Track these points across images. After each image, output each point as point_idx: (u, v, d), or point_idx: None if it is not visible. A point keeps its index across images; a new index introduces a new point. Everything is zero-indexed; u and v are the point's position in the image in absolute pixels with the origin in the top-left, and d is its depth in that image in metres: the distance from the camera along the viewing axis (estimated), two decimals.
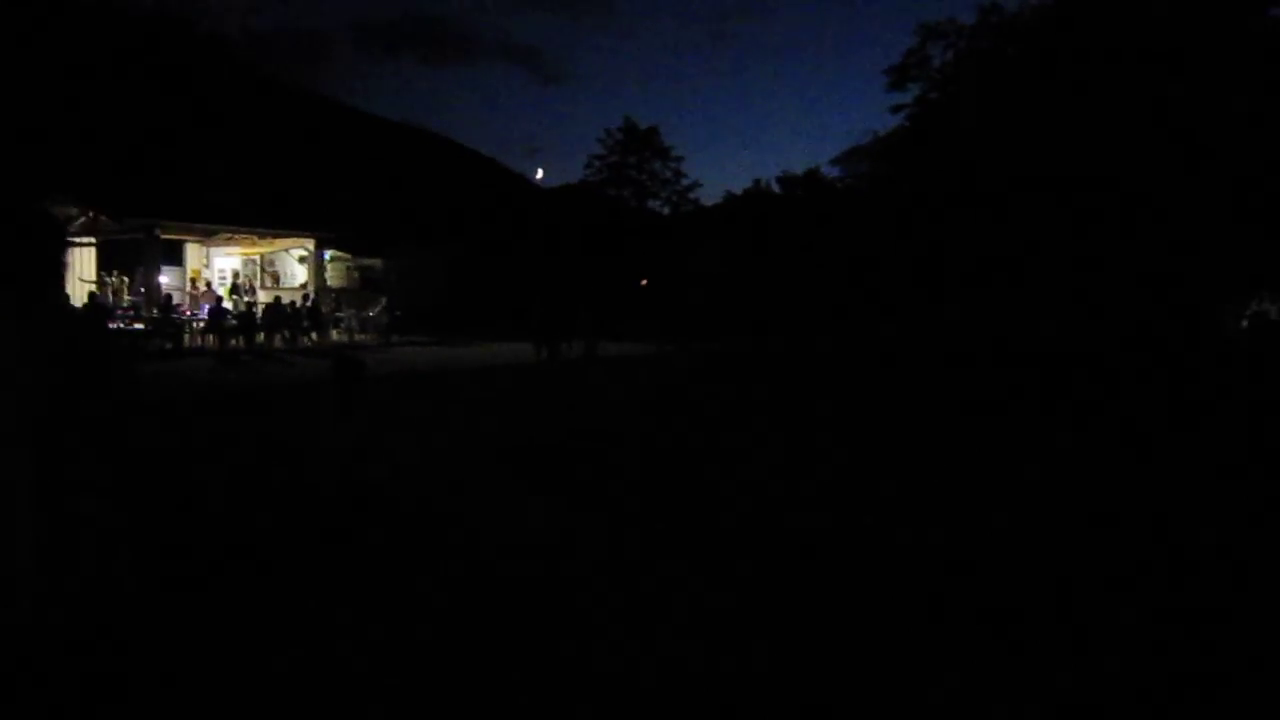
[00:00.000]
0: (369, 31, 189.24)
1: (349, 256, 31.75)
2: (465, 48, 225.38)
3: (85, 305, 21.92)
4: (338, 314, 27.20)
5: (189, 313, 25.12)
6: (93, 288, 24.64)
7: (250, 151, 45.62)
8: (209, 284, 28.70)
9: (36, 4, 56.83)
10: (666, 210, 49.84)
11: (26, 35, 47.94)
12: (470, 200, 49.91)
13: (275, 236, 29.16)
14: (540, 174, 67.36)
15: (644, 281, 47.48)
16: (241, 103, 59.55)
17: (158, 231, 25.19)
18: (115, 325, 22.89)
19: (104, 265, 28.15)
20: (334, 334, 26.77)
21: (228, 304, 26.30)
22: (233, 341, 23.37)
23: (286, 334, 24.36)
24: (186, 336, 23.33)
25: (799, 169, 55.19)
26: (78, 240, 27.13)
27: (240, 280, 30.26)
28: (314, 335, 25.28)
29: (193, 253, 30.51)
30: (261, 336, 24.13)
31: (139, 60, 57.34)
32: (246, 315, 24.31)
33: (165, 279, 27.91)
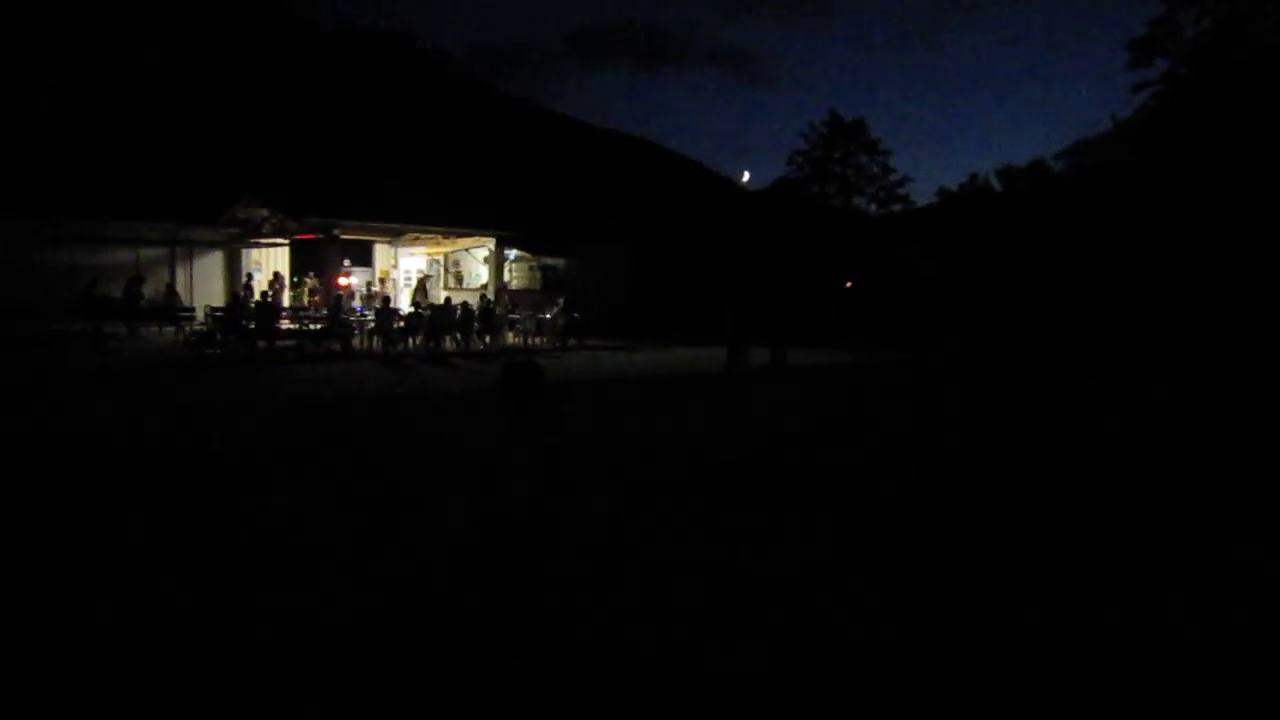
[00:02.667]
0: (584, 41, 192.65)
1: (531, 256, 29.95)
2: (678, 54, 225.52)
3: (256, 305, 20.94)
4: (512, 316, 25.26)
5: (364, 313, 23.90)
6: (264, 288, 23.83)
7: (448, 156, 45.43)
8: (378, 284, 27.67)
9: (267, 22, 59.59)
10: (873, 208, 45.53)
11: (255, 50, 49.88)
12: (669, 203, 47.70)
13: (457, 235, 27.74)
14: (746, 177, 64.17)
15: (849, 284, 43.55)
16: (449, 110, 60.32)
17: (336, 231, 24.13)
18: (290, 325, 21.88)
19: (302, 266, 27.73)
20: (509, 337, 24.86)
21: (408, 305, 24.98)
22: (402, 344, 21.81)
23: (457, 336, 22.58)
24: (357, 338, 21.97)
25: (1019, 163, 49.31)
26: (265, 240, 26.70)
27: (421, 280, 29.11)
28: (486, 338, 23.41)
29: (381, 253, 29.69)
30: (427, 338, 22.49)
31: (357, 70, 59.20)
32: (415, 316, 22.71)
33: (353, 279, 27.03)
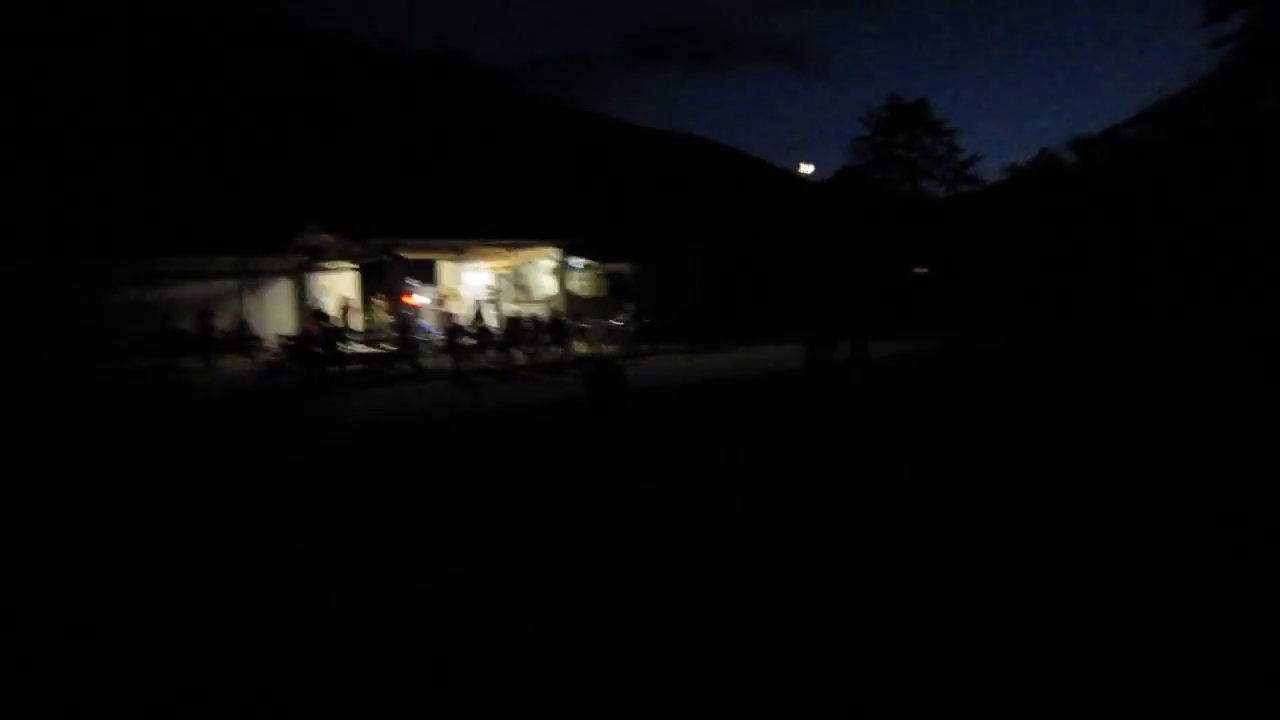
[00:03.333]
0: (635, 47, 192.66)
1: (597, 264, 29.36)
2: (728, 52, 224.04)
3: (323, 330, 20.70)
4: (582, 324, 24.68)
5: (432, 331, 23.57)
6: (332, 313, 23.63)
7: (508, 168, 45.20)
8: (442, 300, 27.34)
9: (318, 45, 60.29)
10: (942, 190, 43.98)
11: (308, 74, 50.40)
12: (731, 201, 46.87)
13: (520, 248, 27.27)
14: (806, 169, 62.76)
15: (919, 270, 42.08)
16: (508, 122, 60.30)
17: (399, 252, 23.83)
18: (354, 349, 21.64)
19: (370, 288, 27.57)
20: (579, 346, 24.29)
21: (490, 320, 24.61)
22: (472, 360, 21.39)
23: (529, 349, 22.08)
24: (427, 357, 21.61)
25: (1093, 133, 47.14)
26: (329, 265, 26.59)
27: (490, 294, 28.73)
28: (557, 348, 22.87)
29: (446, 271, 29.37)
30: (497, 352, 22.07)
31: (418, 87, 59.57)
32: (483, 332, 22.28)
33: (420, 299, 26.76)
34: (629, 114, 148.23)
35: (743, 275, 33.45)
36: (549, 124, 66.72)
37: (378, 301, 26.62)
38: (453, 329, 21.22)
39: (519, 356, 21.87)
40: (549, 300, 27.31)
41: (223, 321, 25.58)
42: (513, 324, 22.12)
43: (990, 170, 58.01)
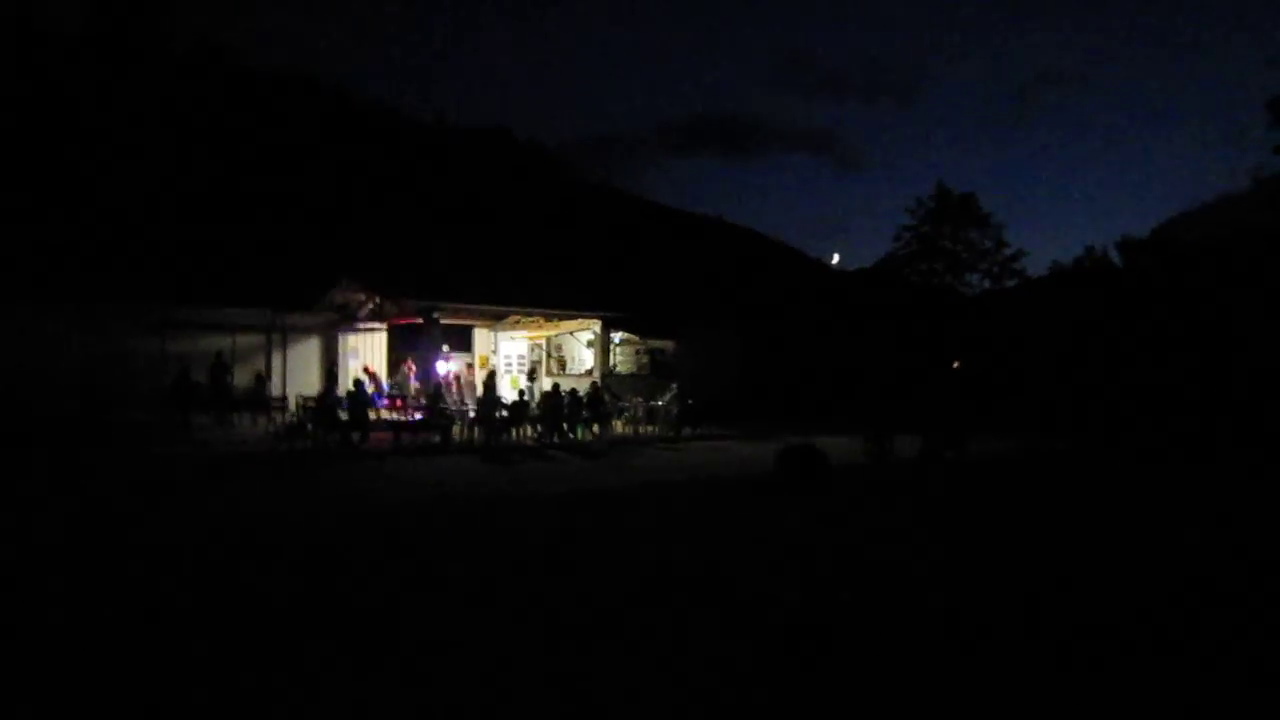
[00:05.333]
0: (671, 131, 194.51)
1: (638, 339, 27.54)
2: (762, 141, 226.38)
3: (349, 394, 18.84)
4: (620, 403, 22.74)
5: (464, 401, 21.71)
6: (361, 375, 21.81)
7: (545, 242, 43.92)
8: (475, 369, 25.55)
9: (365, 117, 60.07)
10: (986, 284, 42.21)
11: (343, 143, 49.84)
12: (765, 286, 45.30)
13: (560, 318, 25.55)
14: (836, 259, 61.58)
15: (955, 365, 40.07)
16: (545, 198, 59.49)
17: (436, 315, 22.12)
18: (388, 415, 19.75)
19: (399, 350, 25.89)
20: (618, 425, 22.32)
21: (511, 392, 22.74)
22: (505, 436, 19.43)
23: (564, 426, 20.10)
24: (457, 428, 19.65)
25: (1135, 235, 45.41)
26: (362, 326, 24.94)
27: (532, 365, 26.96)
28: (595, 427, 20.89)
29: (480, 338, 27.68)
30: (533, 429, 20.13)
31: (460, 166, 59.00)
32: (520, 405, 20.36)
33: (451, 366, 24.94)
34: (663, 196, 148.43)
35: (782, 361, 31.53)
36: (586, 202, 65.98)
37: (407, 366, 24.88)
38: (488, 401, 19.28)
39: (555, 435, 19.86)
40: (588, 374, 25.48)
41: (242, 378, 23.84)
42: (551, 398, 20.17)
43: (1036, 266, 55.98)
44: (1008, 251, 41.77)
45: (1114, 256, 43.76)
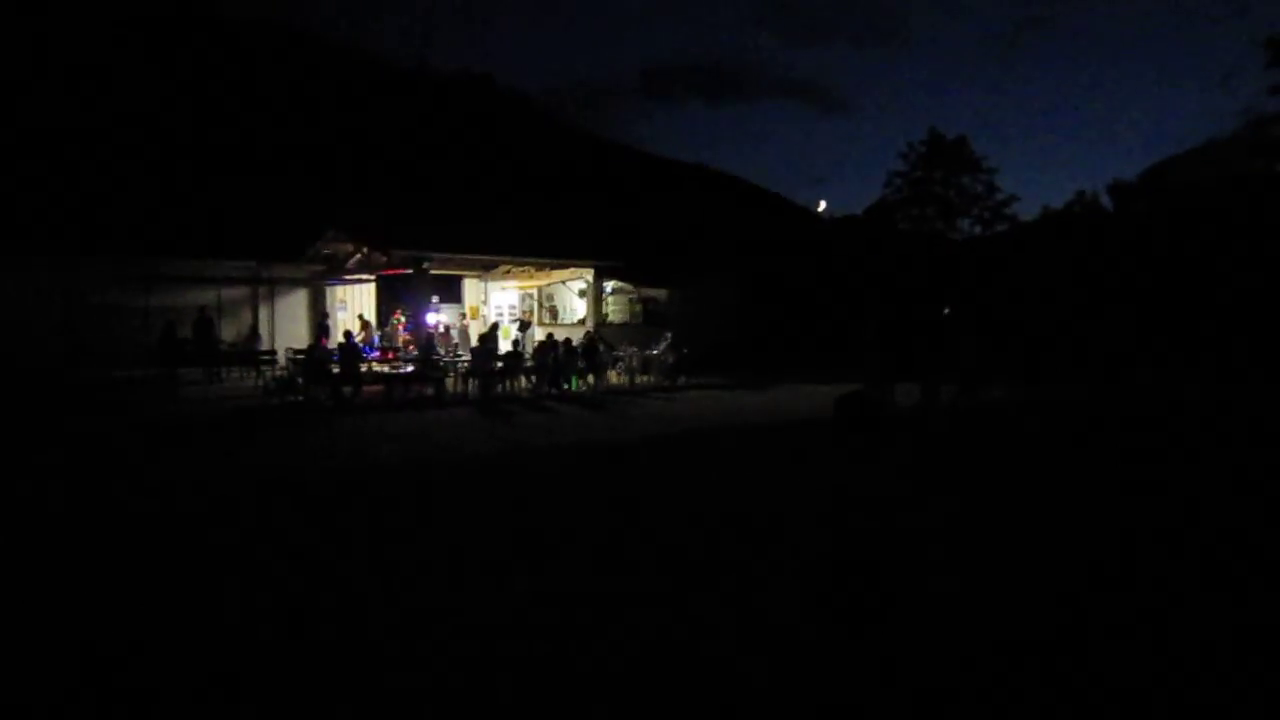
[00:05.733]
0: (655, 78, 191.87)
1: (631, 288, 27.08)
2: (747, 86, 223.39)
3: (340, 347, 18.39)
4: (615, 353, 22.36)
5: (456, 352, 21.28)
6: (351, 326, 21.35)
7: (531, 191, 43.22)
8: (463, 319, 25.07)
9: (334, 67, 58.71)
10: (978, 229, 41.74)
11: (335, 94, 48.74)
12: (754, 234, 44.70)
13: (552, 267, 25.04)
14: (822, 205, 60.99)
15: (946, 311, 39.72)
16: (529, 147, 58.48)
17: (427, 265, 21.57)
18: (376, 369, 19.31)
19: (388, 303, 25.41)
20: (612, 376, 21.97)
21: (503, 343, 22.29)
22: (499, 387, 19.06)
23: (559, 377, 19.73)
24: (450, 380, 19.27)
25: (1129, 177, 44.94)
26: (350, 277, 24.39)
27: (523, 315, 26.49)
28: (590, 378, 20.54)
29: (470, 289, 27.18)
30: (527, 380, 19.76)
31: (444, 113, 57.82)
32: (514, 356, 19.99)
33: (441, 317, 24.47)
34: (647, 144, 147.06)
35: (775, 310, 31.15)
36: (571, 150, 64.96)
37: (396, 317, 24.41)
38: (482, 351, 18.86)
39: (549, 385, 19.50)
40: (580, 323, 25.08)
41: (229, 332, 23.33)
42: (545, 349, 19.76)
43: (1027, 211, 55.21)
44: (999, 196, 41.27)
45: (1105, 201, 43.46)
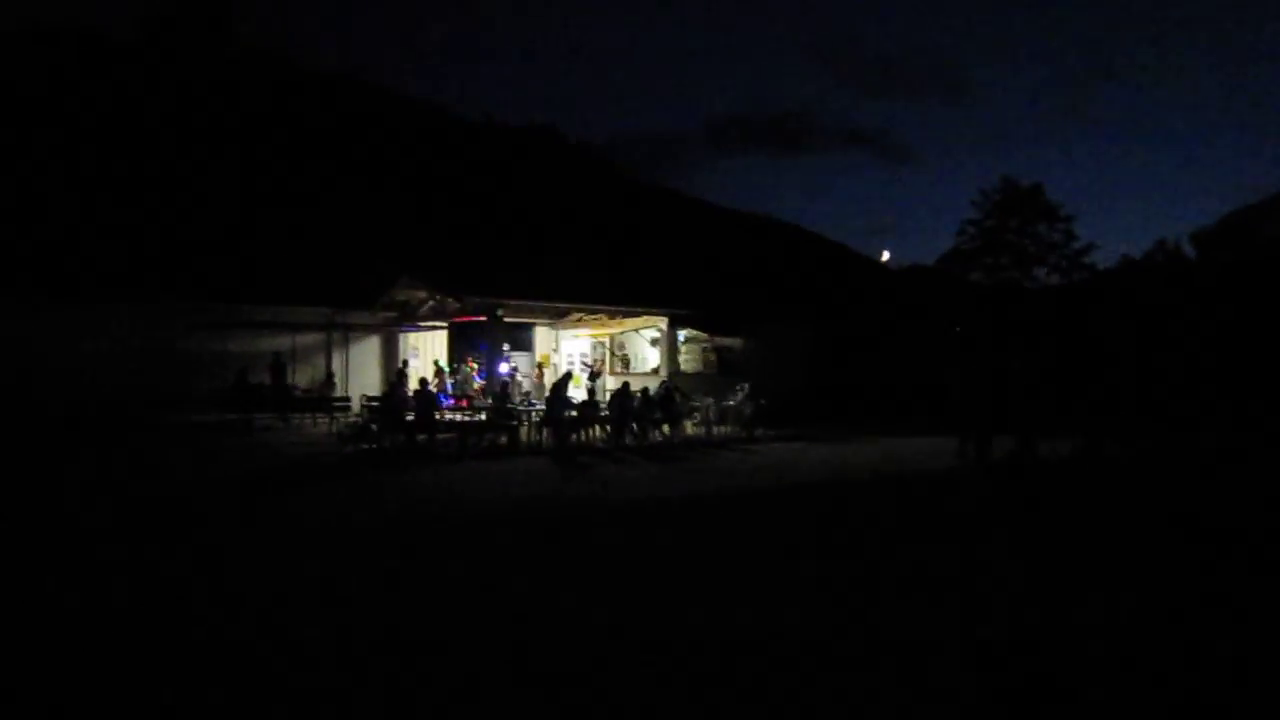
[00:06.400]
0: (723, 129, 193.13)
1: (705, 336, 26.44)
2: (811, 138, 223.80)
3: (415, 394, 18.03)
4: (692, 403, 21.68)
5: (529, 400, 20.79)
6: (429, 374, 21.06)
7: (598, 242, 43.03)
8: (539, 369, 24.64)
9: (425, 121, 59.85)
10: (1055, 279, 40.38)
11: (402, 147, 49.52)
12: (824, 284, 43.93)
13: (625, 315, 24.58)
14: (886, 255, 60.07)
15: (1011, 363, 38.29)
16: (596, 198, 58.67)
17: (500, 312, 21.27)
18: (449, 416, 18.91)
19: (460, 350, 25.18)
20: (687, 426, 21.28)
21: (575, 391, 21.76)
22: (573, 437, 18.49)
23: (634, 427, 19.10)
24: (524, 429, 18.76)
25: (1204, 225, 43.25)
26: (424, 324, 24.19)
27: (592, 362, 26.03)
28: (666, 428, 19.87)
29: (542, 337, 26.84)
30: (601, 430, 19.17)
31: (511, 165, 58.43)
32: (589, 405, 19.45)
33: (509, 364, 24.10)
34: (711, 194, 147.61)
35: (849, 361, 30.23)
36: (638, 200, 64.98)
37: (469, 365, 24.11)
38: (557, 400, 18.33)
39: (627, 436, 18.87)
40: (654, 372, 24.52)
41: (302, 378, 23.22)
42: (621, 398, 19.16)
43: (1106, 259, 53.38)
44: (1076, 245, 39.90)
45: (1186, 249, 41.93)
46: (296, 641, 5.31)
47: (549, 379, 22.27)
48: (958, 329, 36.76)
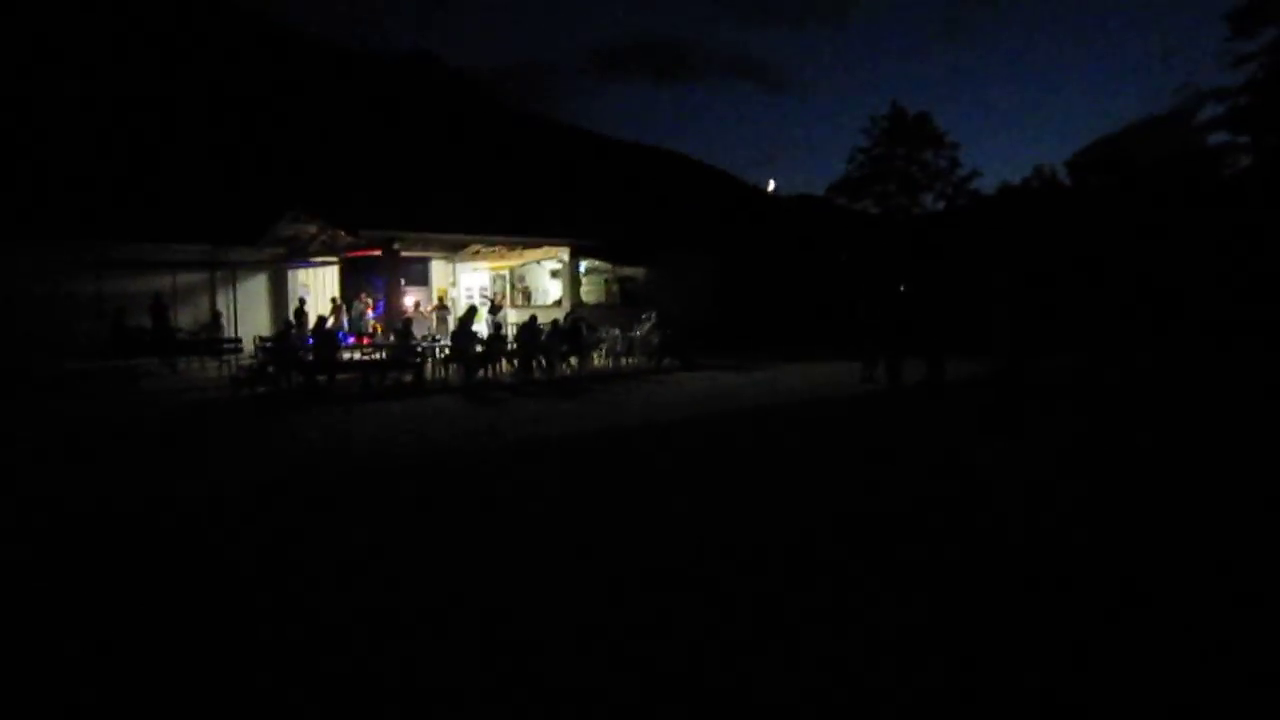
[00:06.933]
0: (604, 58, 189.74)
1: (608, 267, 26.05)
2: (694, 67, 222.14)
3: (314, 332, 17.17)
4: (598, 334, 21.37)
5: (434, 337, 20.09)
6: (325, 312, 20.08)
7: (483, 172, 41.86)
8: (441, 302, 23.87)
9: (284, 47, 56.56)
10: (941, 205, 41.40)
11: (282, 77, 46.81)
12: (717, 214, 43.94)
13: (526, 247, 23.93)
14: (771, 185, 60.47)
15: (901, 288, 39.32)
16: (483, 127, 56.98)
17: (397, 245, 20.37)
18: (348, 355, 18.12)
19: (352, 286, 24.12)
20: (595, 358, 21.02)
21: (480, 325, 21.13)
22: (480, 372, 17.98)
23: (541, 361, 18.71)
24: (429, 367, 18.15)
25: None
26: (317, 260, 23.04)
27: (494, 296, 25.34)
28: (574, 361, 19.55)
29: (438, 271, 25.95)
30: (509, 364, 18.73)
31: (395, 93, 55.98)
32: (496, 339, 18.93)
33: (409, 299, 23.23)
34: (597, 124, 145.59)
35: (751, 288, 30.40)
36: (525, 131, 63.38)
37: (363, 301, 23.17)
38: (464, 335, 17.75)
39: (536, 370, 18.47)
40: (556, 304, 24.07)
41: (185, 320, 21.85)
42: (529, 331, 18.70)
43: (987, 186, 54.72)
44: (961, 172, 40.95)
45: (1062, 175, 43.48)
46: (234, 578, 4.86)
47: (453, 315, 21.55)
48: (844, 256, 37.41)
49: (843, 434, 11.08)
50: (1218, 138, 34.50)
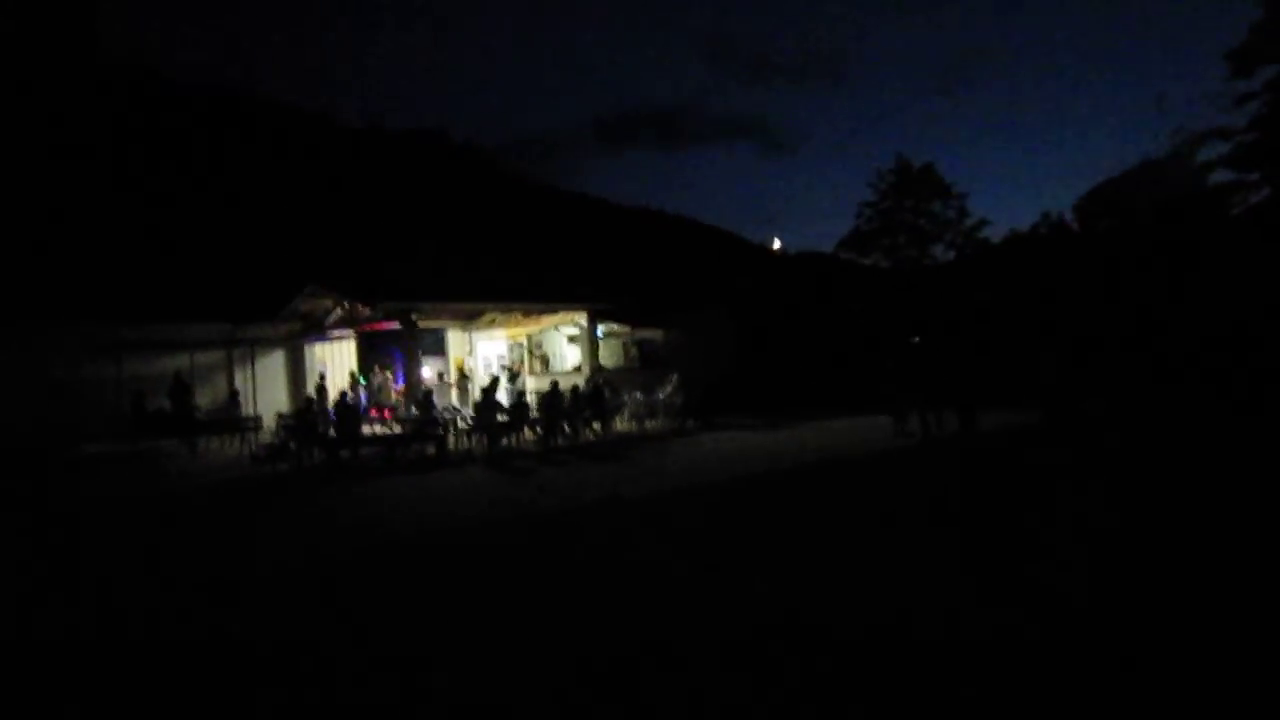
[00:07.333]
0: (605, 128, 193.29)
1: (626, 329, 25.88)
2: (694, 131, 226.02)
3: (336, 407, 16.94)
4: (620, 398, 21.09)
5: (454, 408, 19.84)
6: (345, 387, 19.88)
7: (499, 243, 42.04)
8: (463, 372, 23.68)
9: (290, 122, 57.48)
10: (952, 255, 41.30)
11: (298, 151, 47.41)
12: (725, 273, 44.03)
13: (543, 312, 23.79)
14: (777, 244, 60.91)
15: (915, 339, 39.04)
16: (489, 199, 57.53)
17: (414, 316, 20.23)
18: (370, 429, 17.87)
19: (369, 359, 23.97)
20: (618, 422, 20.71)
21: (500, 393, 20.88)
22: (504, 441, 17.67)
23: (566, 427, 18.40)
24: (451, 438, 17.85)
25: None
26: (336, 334, 22.94)
27: (512, 364, 25.16)
28: (597, 425, 19.24)
29: (454, 340, 25.82)
30: (533, 432, 18.43)
31: (404, 168, 56.71)
32: (520, 407, 18.65)
33: (427, 371, 23.05)
34: (602, 190, 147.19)
35: (768, 346, 30.17)
36: (532, 201, 63.90)
37: (383, 374, 22.97)
38: (487, 405, 17.48)
39: (560, 438, 18.15)
40: (575, 370, 23.84)
41: (204, 399, 21.66)
42: (551, 398, 18.42)
43: (999, 234, 54.48)
44: (969, 222, 40.93)
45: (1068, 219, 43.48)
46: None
47: (474, 384, 21.32)
48: (857, 308, 37.21)
49: (898, 498, 10.71)
50: (1219, 176, 34.18)
